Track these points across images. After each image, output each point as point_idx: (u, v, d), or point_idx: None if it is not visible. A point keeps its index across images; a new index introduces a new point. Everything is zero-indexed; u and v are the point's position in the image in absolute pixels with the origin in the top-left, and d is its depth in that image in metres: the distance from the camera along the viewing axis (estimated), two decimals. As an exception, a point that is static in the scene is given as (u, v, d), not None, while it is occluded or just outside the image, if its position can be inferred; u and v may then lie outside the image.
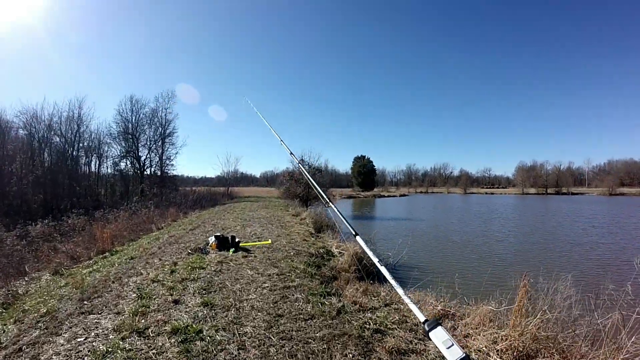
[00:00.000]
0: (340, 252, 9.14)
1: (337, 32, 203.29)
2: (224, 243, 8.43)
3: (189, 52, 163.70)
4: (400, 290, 2.28)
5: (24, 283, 8.33)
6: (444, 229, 21.26)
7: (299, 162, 5.51)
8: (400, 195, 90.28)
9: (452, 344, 1.67)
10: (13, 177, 36.69)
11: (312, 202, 28.44)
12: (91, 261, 9.90)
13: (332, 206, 3.79)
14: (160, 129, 44.08)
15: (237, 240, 8.61)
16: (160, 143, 44.22)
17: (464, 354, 1.62)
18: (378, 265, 2.64)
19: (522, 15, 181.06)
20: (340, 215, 3.48)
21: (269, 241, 9.36)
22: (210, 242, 8.68)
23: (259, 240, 9.58)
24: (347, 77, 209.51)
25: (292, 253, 8.17)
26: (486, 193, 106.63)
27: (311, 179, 4.78)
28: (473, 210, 38.16)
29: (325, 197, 4.07)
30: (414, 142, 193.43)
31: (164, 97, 43.80)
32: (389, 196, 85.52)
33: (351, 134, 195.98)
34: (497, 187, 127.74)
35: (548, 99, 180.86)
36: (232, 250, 8.19)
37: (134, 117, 42.41)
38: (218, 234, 8.67)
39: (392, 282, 2.36)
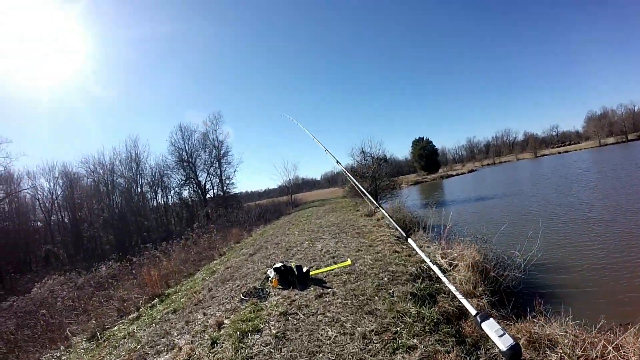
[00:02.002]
0: (450, 263, 6.51)
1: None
2: (287, 276, 6.03)
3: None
4: (452, 287, 2.43)
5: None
6: (556, 204, 17.59)
7: (345, 170, 5.93)
8: (469, 172, 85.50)
9: (504, 333, 1.77)
10: (84, 223, 37.64)
11: (382, 195, 25.85)
12: (136, 314, 8.04)
13: (382, 210, 4.41)
14: (214, 151, 44.14)
15: (304, 270, 6.18)
16: (217, 165, 44.23)
17: (514, 342, 1.73)
18: (430, 264, 2.98)
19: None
20: (389, 218, 4.04)
21: (349, 261, 6.87)
22: (271, 276, 6.35)
23: (334, 262, 7.13)
24: (391, 59, 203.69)
25: (385, 278, 5.62)
26: (559, 152, 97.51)
27: (357, 183, 4.98)
28: (564, 174, 33.30)
29: (374, 202, 4.61)
30: (470, 114, 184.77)
31: (211, 120, 44.04)
32: (457, 174, 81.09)
33: (402, 118, 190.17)
34: (570, 144, 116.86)
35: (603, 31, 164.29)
36: (298, 286, 5.82)
37: (186, 145, 42.66)
38: (279, 264, 6.24)
39: (444, 279, 2.60)
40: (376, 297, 4.84)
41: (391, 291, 5.02)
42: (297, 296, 5.37)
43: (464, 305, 2.35)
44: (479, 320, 1.91)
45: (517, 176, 42.81)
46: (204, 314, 5.65)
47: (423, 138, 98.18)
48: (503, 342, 1.72)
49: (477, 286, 5.35)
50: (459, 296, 2.31)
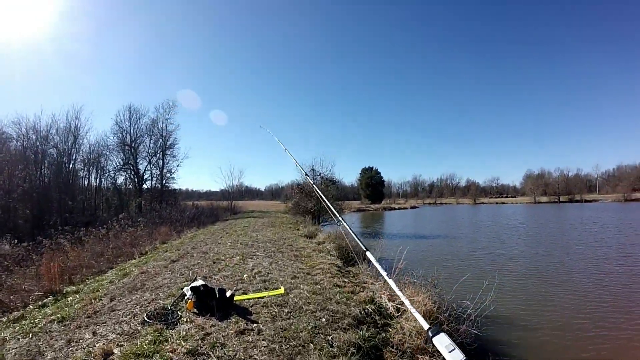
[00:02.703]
0: (398, 308, 5.66)
1: (340, 36, 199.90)
2: (206, 299, 4.96)
3: (186, 58, 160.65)
4: (406, 301, 2.42)
5: None
6: (498, 251, 17.68)
7: (306, 174, 6.69)
8: (411, 207, 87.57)
9: (454, 348, 1.78)
10: (0, 191, 33.96)
11: (325, 218, 25.15)
12: (20, 313, 6.61)
13: (344, 223, 4.14)
14: (160, 140, 41.73)
15: (228, 294, 5.15)
16: (160, 155, 41.81)
17: (464, 357, 1.72)
18: (386, 278, 2.85)
19: (522, 16, 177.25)
20: (351, 231, 3.76)
21: (282, 290, 5.90)
22: (187, 295, 5.26)
23: (265, 288, 6.15)
24: (348, 84, 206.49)
25: (324, 319, 4.71)
26: (496, 203, 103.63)
27: (322, 194, 4.92)
28: (504, 223, 34.35)
29: (337, 214, 4.37)
30: (419, 152, 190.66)
31: (164, 107, 41.79)
32: (399, 208, 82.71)
33: (353, 145, 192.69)
34: (507, 197, 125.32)
35: (552, 106, 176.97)
36: (217, 314, 4.80)
37: (132, 128, 40.16)
38: (198, 283, 5.13)
39: (399, 293, 2.63)
40: (312, 345, 3.91)
41: (330, 337, 4.13)
42: (213, 328, 4.34)
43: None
44: (430, 335, 1.93)
45: (459, 219, 44.00)
46: (94, 334, 4.49)
47: (372, 168, 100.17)
48: (453, 357, 1.74)
49: (428, 341, 4.58)
50: (413, 311, 2.33)
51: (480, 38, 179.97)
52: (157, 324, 4.51)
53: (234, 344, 3.90)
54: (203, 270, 7.83)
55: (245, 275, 6.91)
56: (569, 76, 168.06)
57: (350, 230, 4.05)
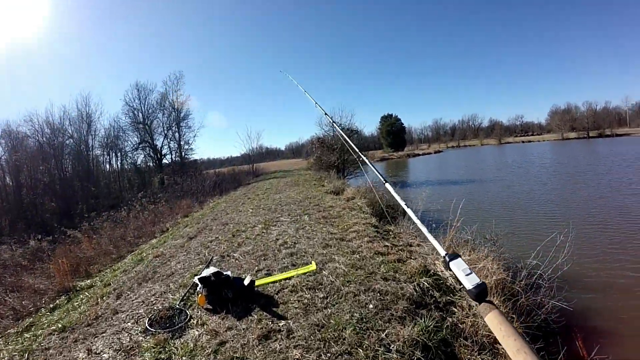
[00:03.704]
0: (455, 277, 4.60)
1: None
2: (220, 291, 3.96)
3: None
4: (424, 228, 2.29)
5: None
6: (543, 196, 16.01)
7: (333, 123, 5.69)
8: (435, 152, 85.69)
9: (471, 272, 1.74)
10: (23, 189, 34.00)
11: (350, 171, 24.04)
12: (29, 320, 5.79)
13: (367, 161, 3.86)
14: (173, 113, 40.89)
15: (247, 281, 4.12)
16: (175, 128, 41.19)
17: (481, 281, 1.69)
18: (405, 207, 2.71)
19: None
20: (372, 166, 3.58)
21: (313, 265, 4.86)
22: (198, 287, 4.27)
23: (292, 264, 5.11)
24: (363, 32, 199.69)
25: (370, 305, 3.61)
26: (522, 142, 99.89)
27: (350, 141, 4.56)
28: (538, 163, 32.02)
29: (361, 155, 4.08)
30: (438, 95, 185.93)
31: (172, 80, 40.67)
32: (423, 154, 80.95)
33: (371, 93, 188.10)
34: (532, 134, 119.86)
35: (575, 37, 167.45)
36: (233, 310, 3.83)
37: (142, 105, 39.42)
38: (208, 272, 4.05)
39: (417, 221, 2.47)
40: (361, 350, 2.85)
41: (384, 335, 3.06)
42: (229, 333, 3.33)
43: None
44: (447, 260, 1.88)
45: (488, 161, 42.03)
46: (88, 351, 3.55)
47: (392, 115, 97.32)
48: (469, 281, 1.67)
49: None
50: (429, 236, 2.14)
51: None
52: (160, 332, 3.53)
53: (258, 356, 2.88)
54: (221, 246, 6.84)
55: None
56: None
57: (370, 164, 3.74)
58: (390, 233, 7.14)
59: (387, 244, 5.88)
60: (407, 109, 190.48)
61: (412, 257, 5.30)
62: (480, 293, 1.67)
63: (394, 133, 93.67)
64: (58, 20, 73.23)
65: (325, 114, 5.83)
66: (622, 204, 12.99)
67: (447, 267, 1.91)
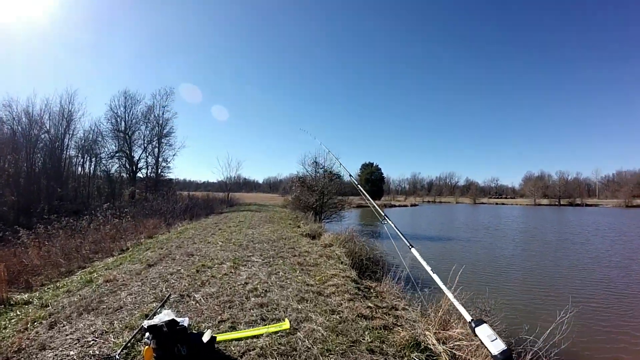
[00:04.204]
0: (453, 355, 3.89)
1: (340, 31, 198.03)
2: (171, 346, 3.24)
3: (189, 52, 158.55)
4: (449, 294, 2.37)
5: None
6: (527, 260, 16.00)
7: (350, 176, 6.46)
8: (411, 205, 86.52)
9: (496, 338, 1.78)
10: (-16, 176, 32.19)
11: (327, 215, 23.43)
12: None
13: (389, 221, 3.77)
14: (156, 128, 40.12)
15: (206, 337, 3.35)
16: (156, 143, 40.23)
17: (506, 347, 1.71)
18: (431, 273, 2.68)
19: (525, 20, 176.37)
20: (396, 230, 3.51)
21: (287, 323, 4.14)
22: (146, 337, 3.50)
23: (261, 318, 4.37)
24: (349, 79, 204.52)
25: None
26: (496, 203, 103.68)
27: (364, 192, 4.90)
28: (514, 227, 32.70)
29: (382, 212, 4.13)
30: (418, 150, 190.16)
31: (161, 94, 40.51)
32: (399, 205, 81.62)
33: (352, 140, 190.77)
34: (506, 197, 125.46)
35: (554, 108, 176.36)
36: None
37: (127, 114, 38.61)
38: (160, 319, 3.29)
39: (443, 287, 2.48)
40: None
41: None
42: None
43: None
44: (473, 326, 1.93)
45: (465, 219, 42.30)
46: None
47: (372, 163, 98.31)
48: (495, 347, 1.72)
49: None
50: (456, 303, 2.26)
51: (482, 40, 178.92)
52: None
53: None
54: (182, 282, 6.06)
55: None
56: (569, 81, 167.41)
57: (394, 227, 3.67)
58: (372, 291, 6.49)
59: (370, 304, 5.22)
60: (387, 159, 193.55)
61: (399, 324, 4.65)
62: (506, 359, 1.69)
63: (372, 181, 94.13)
64: (65, 8, 71.93)
65: (351, 176, 6.62)
66: (605, 275, 13.06)
67: (473, 333, 1.93)
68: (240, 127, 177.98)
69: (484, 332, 1.85)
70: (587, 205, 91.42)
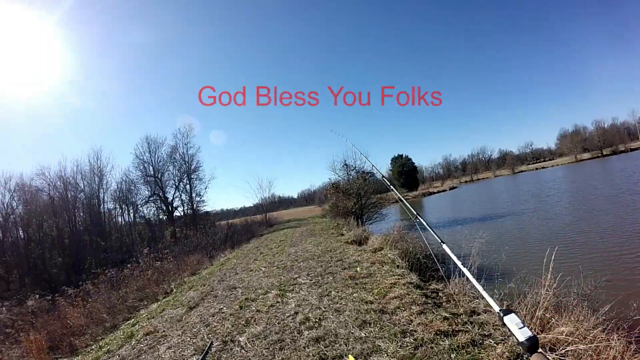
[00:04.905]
0: None
1: (353, 25, 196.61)
2: None
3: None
4: (478, 286, 2.37)
5: None
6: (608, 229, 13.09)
7: (383, 177, 6.08)
8: (450, 189, 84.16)
9: (523, 326, 1.82)
10: (31, 243, 33.00)
11: (369, 215, 22.53)
12: None
13: (420, 219, 3.75)
14: (184, 165, 40.52)
15: None
16: (186, 180, 40.63)
17: (533, 334, 1.76)
18: (461, 267, 2.72)
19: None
20: (427, 226, 3.54)
21: (351, 361, 3.41)
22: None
23: (320, 357, 3.62)
24: (368, 73, 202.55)
25: None
26: (536, 169, 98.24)
27: (397, 193, 4.97)
28: (564, 188, 30.46)
29: (413, 211, 4.10)
30: (445, 132, 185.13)
31: (182, 132, 40.94)
32: (438, 192, 79.50)
33: (378, 135, 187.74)
34: (545, 160, 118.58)
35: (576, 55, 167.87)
36: None
37: (153, 158, 39.07)
38: None
39: (473, 280, 2.50)
40: None
41: None
42: None
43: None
44: (502, 315, 1.94)
45: (512, 192, 39.00)
46: None
47: (402, 155, 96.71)
48: (522, 334, 1.76)
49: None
50: (484, 294, 2.31)
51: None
52: None
53: None
54: (225, 324, 5.32)
55: None
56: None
57: (425, 224, 3.64)
58: (441, 295, 5.57)
59: (445, 314, 4.33)
60: (415, 147, 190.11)
61: (488, 334, 3.75)
62: (532, 345, 1.73)
63: (406, 173, 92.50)
64: (75, 74, 74.23)
65: (383, 177, 6.45)
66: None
67: (502, 322, 1.94)
68: (263, 146, 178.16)
69: (512, 321, 1.87)
70: (631, 150, 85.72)
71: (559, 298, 4.19)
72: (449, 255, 4.99)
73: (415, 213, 4.07)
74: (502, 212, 23.47)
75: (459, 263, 2.70)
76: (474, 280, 2.41)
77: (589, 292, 4.39)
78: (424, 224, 3.71)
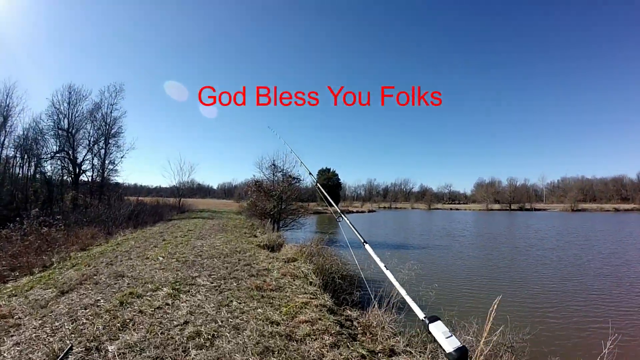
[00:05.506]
0: None
1: (303, 37, 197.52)
2: None
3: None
4: (402, 290, 2.26)
5: None
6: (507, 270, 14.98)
7: (317, 184, 5.34)
8: (369, 211, 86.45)
9: (451, 335, 1.69)
10: None
11: (285, 222, 21.88)
12: None
13: (345, 219, 3.73)
14: (104, 126, 36.88)
15: None
16: (102, 144, 37.04)
17: (461, 344, 1.64)
18: (384, 270, 2.56)
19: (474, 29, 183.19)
20: (349, 223, 3.49)
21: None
22: None
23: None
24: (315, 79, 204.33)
25: None
26: (450, 209, 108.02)
27: (327, 196, 4.57)
28: (476, 232, 32.82)
29: (338, 210, 4.33)
30: (374, 156, 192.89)
31: (110, 91, 36.82)
32: (356, 212, 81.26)
33: (308, 146, 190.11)
34: (459, 203, 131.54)
35: (504, 115, 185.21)
36: None
37: (70, 111, 34.97)
38: None
39: (395, 283, 2.37)
40: None
41: None
42: None
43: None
44: (427, 322, 1.78)
45: (426, 226, 41.64)
46: None
47: (329, 169, 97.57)
48: (450, 344, 1.61)
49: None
50: (408, 299, 2.11)
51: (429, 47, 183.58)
52: None
53: None
54: (96, 323, 4.31)
55: None
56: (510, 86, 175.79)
57: (350, 224, 3.43)
58: (356, 323, 5.04)
59: (362, 351, 3.78)
60: (342, 165, 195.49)
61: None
62: (461, 357, 1.60)
63: (330, 187, 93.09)
64: None
65: (310, 173, 6.17)
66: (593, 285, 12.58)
67: (427, 330, 1.80)
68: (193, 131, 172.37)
69: (439, 329, 1.68)
70: (535, 209, 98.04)
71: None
72: (364, 281, 4.65)
73: (340, 212, 4.29)
74: (416, 243, 24.12)
75: (382, 265, 2.50)
76: (397, 284, 2.25)
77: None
78: (347, 222, 3.58)
